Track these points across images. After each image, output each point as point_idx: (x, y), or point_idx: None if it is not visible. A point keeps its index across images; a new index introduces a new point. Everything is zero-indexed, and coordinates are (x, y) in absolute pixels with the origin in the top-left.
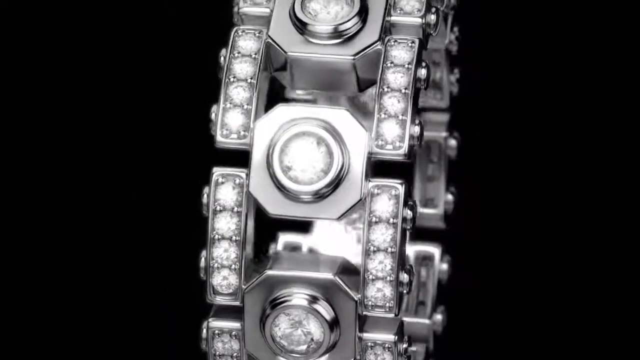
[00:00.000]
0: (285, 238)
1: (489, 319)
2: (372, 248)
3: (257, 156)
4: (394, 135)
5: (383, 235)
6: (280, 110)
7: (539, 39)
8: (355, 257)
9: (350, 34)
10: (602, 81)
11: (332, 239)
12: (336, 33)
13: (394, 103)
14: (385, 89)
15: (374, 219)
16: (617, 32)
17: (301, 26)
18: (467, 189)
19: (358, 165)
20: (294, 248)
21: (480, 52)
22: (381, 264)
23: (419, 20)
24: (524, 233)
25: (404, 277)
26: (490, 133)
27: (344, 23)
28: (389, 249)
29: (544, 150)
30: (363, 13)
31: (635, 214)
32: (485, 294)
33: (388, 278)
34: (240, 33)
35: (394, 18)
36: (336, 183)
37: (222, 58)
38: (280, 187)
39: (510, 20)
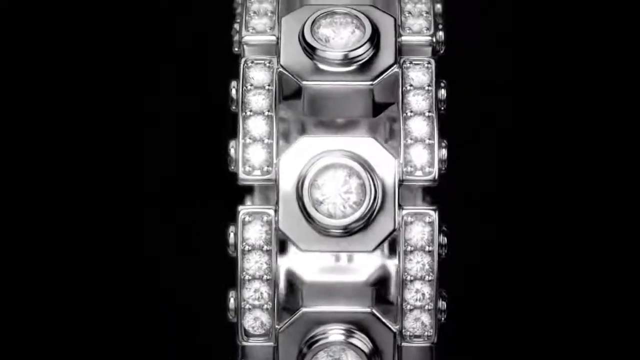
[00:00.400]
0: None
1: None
2: (408, 277)
3: (285, 191)
4: (423, 160)
5: (419, 264)
6: (305, 143)
7: (523, 41)
8: None
9: (364, 60)
10: (588, 84)
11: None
12: (349, 60)
13: (419, 127)
14: (409, 113)
15: (409, 248)
16: (604, 32)
17: (313, 53)
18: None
19: (390, 195)
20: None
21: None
22: (418, 293)
23: (430, 39)
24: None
25: (442, 304)
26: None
27: (356, 49)
28: (426, 277)
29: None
30: (375, 38)
31: (625, 211)
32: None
33: (426, 307)
34: (249, 64)
35: (404, 38)
36: (369, 215)
37: (233, 90)
38: (312, 222)
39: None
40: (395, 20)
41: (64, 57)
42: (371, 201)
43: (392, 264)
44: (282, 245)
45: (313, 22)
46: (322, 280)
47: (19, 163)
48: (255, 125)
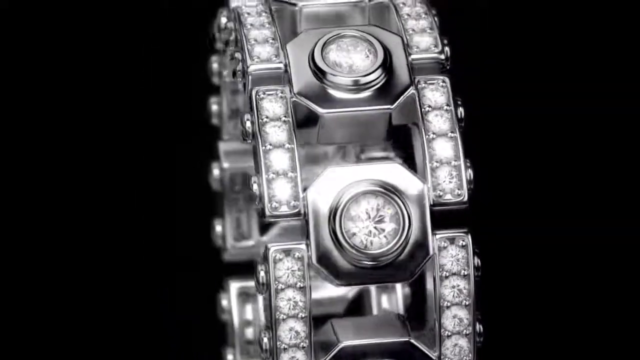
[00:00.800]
0: (237, 285)
1: None
2: (445, 304)
3: (316, 226)
4: (452, 183)
5: (455, 289)
6: (331, 174)
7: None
8: None
9: (380, 84)
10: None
11: None
12: (364, 85)
13: (444, 149)
14: (432, 135)
15: (444, 274)
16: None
17: (326, 79)
18: None
19: (423, 221)
20: None
21: None
22: (456, 319)
23: (439, 56)
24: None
25: (479, 327)
26: None
27: (370, 74)
28: (464, 302)
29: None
30: (387, 61)
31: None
32: None
33: (464, 332)
34: (262, 95)
35: (413, 57)
36: (404, 243)
37: (248, 123)
38: (346, 255)
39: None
40: (402, 40)
41: (64, 57)
42: (406, 229)
43: (425, 290)
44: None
45: (322, 48)
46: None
47: (19, 163)
48: (277, 159)
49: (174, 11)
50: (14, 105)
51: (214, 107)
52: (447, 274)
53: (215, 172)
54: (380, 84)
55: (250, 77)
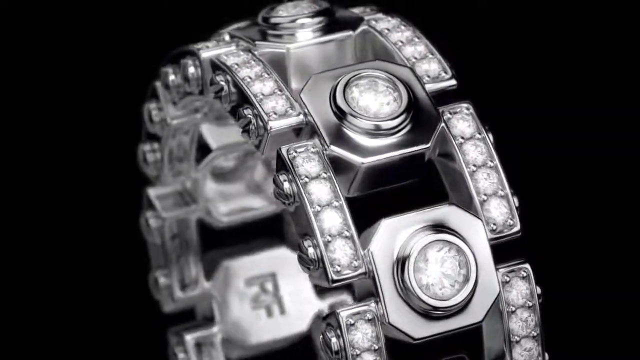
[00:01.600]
0: (194, 336)
1: None
2: (515, 339)
3: (385, 282)
4: (503, 214)
5: (523, 322)
6: (388, 226)
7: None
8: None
9: (413, 124)
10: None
11: (242, 321)
12: (397, 127)
13: (487, 180)
14: (472, 167)
15: (511, 308)
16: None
17: (355, 126)
18: None
19: (487, 260)
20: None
21: None
22: (525, 351)
23: (452, 82)
24: None
25: (547, 356)
26: None
27: (400, 115)
28: (532, 333)
29: None
30: (412, 100)
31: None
32: None
33: None
34: (295, 154)
35: (428, 87)
36: (475, 287)
37: (285, 184)
38: (422, 308)
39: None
40: (413, 70)
41: (64, 57)
42: (474, 273)
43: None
44: None
45: (343, 92)
46: None
47: (19, 163)
48: (329, 220)
49: (174, 11)
50: (13, 105)
51: (151, 156)
52: (514, 309)
53: (153, 222)
54: (412, 123)
55: (269, 135)
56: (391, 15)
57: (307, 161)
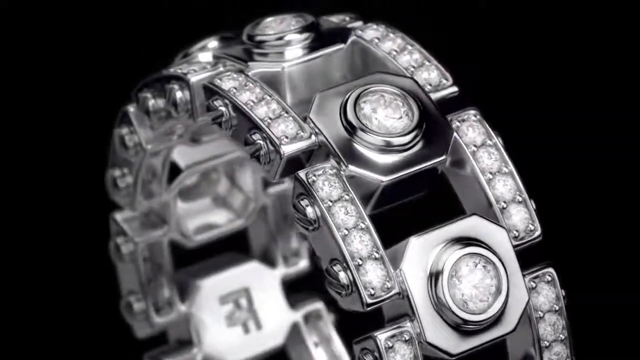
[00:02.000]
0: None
1: None
2: (545, 344)
3: (419, 302)
4: (524, 219)
5: (551, 326)
6: (417, 244)
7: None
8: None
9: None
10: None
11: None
12: (410, 142)
13: (505, 186)
14: (489, 175)
15: (539, 314)
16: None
17: (369, 143)
18: None
19: (514, 267)
20: None
21: None
22: (556, 355)
23: (454, 89)
24: None
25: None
26: None
27: (414, 129)
28: (560, 337)
29: None
30: (422, 111)
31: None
32: None
33: None
34: (314, 177)
35: (433, 96)
36: (507, 298)
37: (308, 209)
38: (457, 324)
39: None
40: (415, 81)
41: (64, 57)
42: (505, 283)
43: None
44: None
45: (354, 109)
46: None
47: (18, 162)
48: (357, 243)
49: (174, 11)
50: (13, 105)
51: (121, 181)
52: (542, 314)
53: (125, 247)
54: (424, 136)
55: (284, 160)
56: (375, 22)
57: (327, 184)
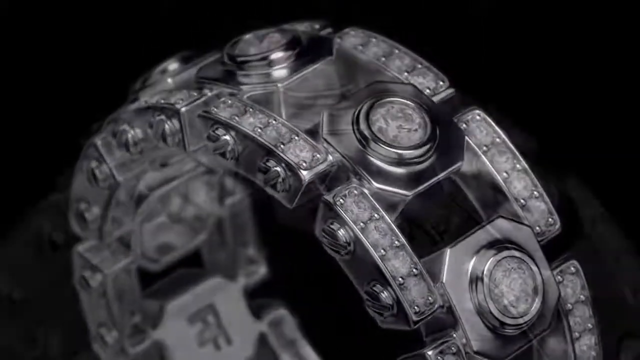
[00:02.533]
0: None
1: None
2: (576, 335)
3: (463, 312)
4: (544, 215)
5: (580, 317)
6: (453, 255)
7: None
8: None
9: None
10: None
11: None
12: (427, 153)
13: (521, 183)
14: (505, 175)
15: (569, 306)
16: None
17: (388, 157)
18: None
19: (544, 264)
20: None
21: None
22: (586, 344)
23: (451, 90)
24: None
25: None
26: None
27: (428, 142)
28: (588, 326)
29: None
30: (434, 118)
31: None
32: None
33: (592, 353)
34: (342, 200)
35: (437, 98)
36: (544, 295)
37: (340, 232)
38: (501, 329)
39: None
40: (415, 87)
41: (64, 57)
42: (542, 282)
43: None
44: None
45: (368, 125)
46: None
47: (18, 162)
48: (396, 262)
49: (174, 11)
50: (13, 105)
51: (89, 215)
52: (571, 306)
53: (94, 280)
54: (439, 144)
55: (304, 186)
56: (351, 28)
57: (355, 205)
